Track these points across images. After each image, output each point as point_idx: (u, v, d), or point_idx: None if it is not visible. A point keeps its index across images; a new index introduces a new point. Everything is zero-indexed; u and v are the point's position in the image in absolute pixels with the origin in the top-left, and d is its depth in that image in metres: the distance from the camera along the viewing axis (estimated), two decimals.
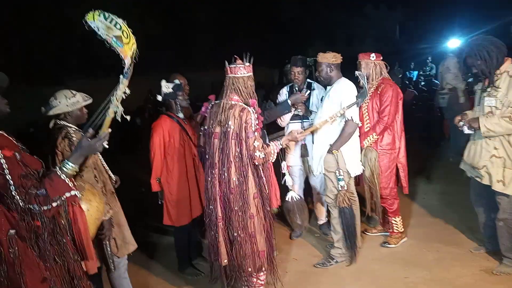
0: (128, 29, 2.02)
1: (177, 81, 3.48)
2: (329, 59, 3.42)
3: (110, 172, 2.92)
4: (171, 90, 3.42)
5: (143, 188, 3.55)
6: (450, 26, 16.07)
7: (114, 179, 2.99)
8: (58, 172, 1.81)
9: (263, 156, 2.72)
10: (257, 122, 2.72)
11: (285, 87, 4.18)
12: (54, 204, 1.76)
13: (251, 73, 2.82)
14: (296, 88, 3.95)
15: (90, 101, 2.79)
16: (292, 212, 3.23)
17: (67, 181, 1.80)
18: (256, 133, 2.70)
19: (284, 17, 18.06)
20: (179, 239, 3.63)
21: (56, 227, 1.86)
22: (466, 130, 3.09)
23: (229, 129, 2.72)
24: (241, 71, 2.77)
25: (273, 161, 2.86)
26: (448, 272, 3.27)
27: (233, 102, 2.76)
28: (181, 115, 3.51)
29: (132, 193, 3.73)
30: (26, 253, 1.74)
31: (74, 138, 2.57)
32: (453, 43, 14.40)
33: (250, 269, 2.82)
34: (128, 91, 2.03)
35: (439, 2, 17.47)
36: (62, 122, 2.70)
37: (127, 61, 2.03)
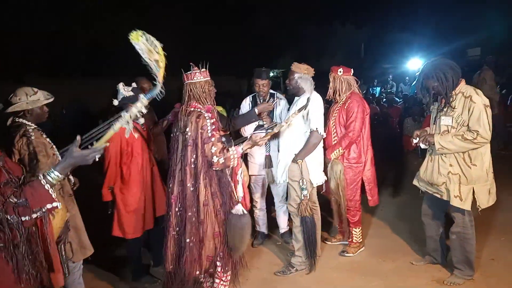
0: (162, 52, 1.93)
1: (134, 85, 3.36)
2: (302, 70, 3.48)
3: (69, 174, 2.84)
4: (131, 93, 3.23)
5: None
6: (410, 48, 16.89)
7: (73, 181, 2.90)
8: (42, 181, 1.64)
9: (223, 161, 2.73)
10: (213, 127, 2.75)
11: (248, 97, 4.17)
12: (34, 216, 1.62)
13: (208, 78, 2.86)
14: (261, 99, 3.98)
15: (51, 99, 2.71)
16: (233, 228, 2.79)
17: (50, 192, 1.65)
18: (213, 139, 2.72)
19: (255, 29, 18.30)
20: (131, 250, 3.51)
21: (31, 236, 1.71)
22: (422, 146, 3.22)
23: (187, 136, 2.75)
24: (197, 76, 2.81)
25: (234, 165, 2.86)
26: (403, 281, 3.38)
27: (191, 109, 2.79)
28: (141, 120, 3.41)
29: (91, 197, 3.61)
30: (1, 267, 1.60)
31: (32, 137, 2.49)
32: (413, 63, 15.13)
33: (197, 272, 2.83)
34: (144, 111, 1.95)
35: (401, 24, 18.30)
36: (21, 120, 2.60)
37: (159, 85, 1.92)
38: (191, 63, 2.84)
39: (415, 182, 3.44)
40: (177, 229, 2.85)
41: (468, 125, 2.98)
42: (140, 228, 3.38)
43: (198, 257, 2.81)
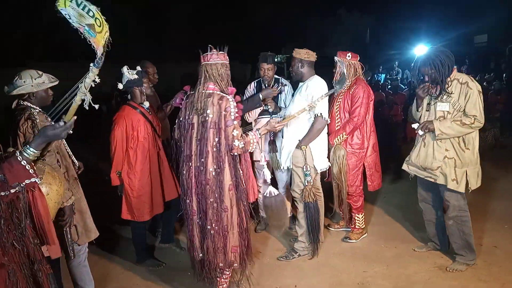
0: (102, 16, 1.89)
1: (138, 68, 3.35)
2: (302, 55, 3.48)
3: (73, 158, 2.85)
4: (136, 77, 3.24)
5: (106, 177, 3.45)
6: (416, 34, 16.69)
7: (77, 165, 2.91)
8: (18, 158, 1.72)
9: (242, 145, 2.67)
10: (236, 110, 2.68)
11: (253, 82, 4.15)
12: (12, 191, 1.70)
13: (225, 61, 2.78)
14: (266, 84, 3.96)
15: (56, 82, 2.69)
16: (271, 209, 2.94)
17: (27, 168, 1.73)
18: (235, 122, 2.66)
19: (258, 16, 18.12)
20: (136, 233, 3.55)
21: (15, 211, 1.78)
22: (420, 132, 3.24)
23: (207, 118, 2.66)
24: (214, 58, 2.74)
25: (252, 151, 2.82)
26: (405, 268, 3.40)
27: (210, 91, 2.71)
28: (146, 104, 3.39)
29: (95, 182, 3.63)
30: None
31: (37, 120, 2.48)
32: (420, 50, 14.97)
33: (221, 265, 2.78)
34: (98, 80, 1.95)
35: (407, 11, 18.06)
36: (26, 103, 2.59)
37: (99, 51, 1.91)
38: (210, 46, 2.77)
39: (404, 167, 3.47)
40: (200, 215, 2.77)
41: (464, 110, 3.06)
42: (149, 212, 3.41)
43: (223, 247, 2.73)
